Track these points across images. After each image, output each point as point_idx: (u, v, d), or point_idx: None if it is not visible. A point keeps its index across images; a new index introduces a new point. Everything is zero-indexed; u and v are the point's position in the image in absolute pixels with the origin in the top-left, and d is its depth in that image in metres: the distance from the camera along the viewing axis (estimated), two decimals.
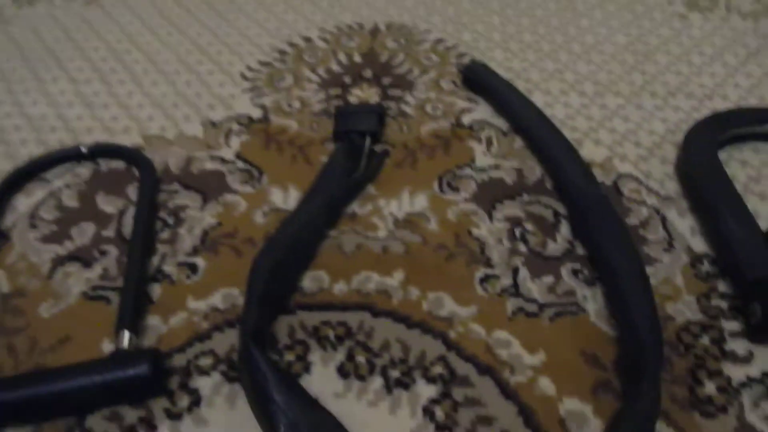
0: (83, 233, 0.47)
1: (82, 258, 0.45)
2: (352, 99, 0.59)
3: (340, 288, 0.43)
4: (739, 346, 0.40)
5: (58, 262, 0.45)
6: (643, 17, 0.70)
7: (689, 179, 0.49)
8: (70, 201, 0.50)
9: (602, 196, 0.46)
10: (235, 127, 0.56)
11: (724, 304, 0.42)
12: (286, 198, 0.50)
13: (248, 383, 0.37)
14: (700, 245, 0.45)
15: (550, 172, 0.51)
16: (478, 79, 0.59)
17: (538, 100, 0.56)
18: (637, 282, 0.40)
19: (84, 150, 0.53)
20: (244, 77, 0.62)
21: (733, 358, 0.39)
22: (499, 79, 0.58)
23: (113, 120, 0.58)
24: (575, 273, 0.44)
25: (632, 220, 0.47)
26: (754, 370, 0.39)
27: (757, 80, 0.60)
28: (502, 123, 0.56)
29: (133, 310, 0.40)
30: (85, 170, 0.53)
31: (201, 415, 0.37)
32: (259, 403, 0.35)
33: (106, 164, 0.53)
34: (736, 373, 0.39)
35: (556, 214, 0.48)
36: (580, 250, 0.45)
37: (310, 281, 0.44)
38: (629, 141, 0.54)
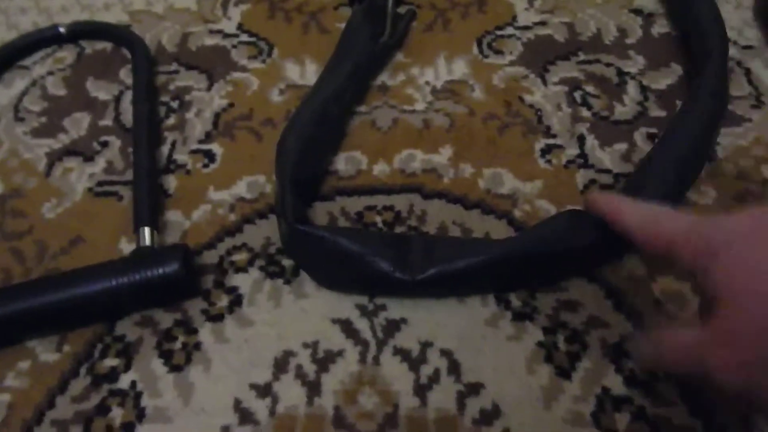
0: (77, 124, 0.42)
1: (81, 151, 0.41)
2: None
3: (380, 169, 0.38)
4: None
5: (55, 156, 0.41)
6: None
7: None
8: (57, 89, 0.44)
9: None
10: None
11: None
12: (304, 72, 0.44)
13: (313, 258, 0.33)
14: None
15: None
16: None
17: None
18: None
19: (63, 30, 0.47)
20: None
21: None
22: None
23: None
24: (651, 137, 0.38)
25: None
26: None
27: None
28: None
29: (151, 204, 0.35)
30: (67, 54, 0.47)
31: (244, 315, 0.33)
32: (340, 266, 0.32)
33: (90, 46, 0.47)
34: None
35: (620, 72, 0.42)
36: (654, 111, 0.40)
37: (344, 163, 0.38)
38: None
